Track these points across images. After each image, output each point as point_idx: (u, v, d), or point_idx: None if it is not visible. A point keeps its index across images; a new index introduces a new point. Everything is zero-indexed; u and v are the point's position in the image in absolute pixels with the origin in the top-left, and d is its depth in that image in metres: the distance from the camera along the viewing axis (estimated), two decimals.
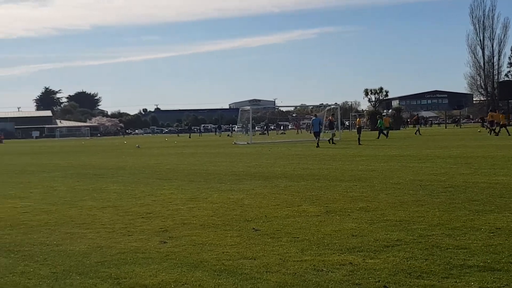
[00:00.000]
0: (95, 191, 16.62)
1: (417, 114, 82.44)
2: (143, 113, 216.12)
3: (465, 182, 15.54)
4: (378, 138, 50.62)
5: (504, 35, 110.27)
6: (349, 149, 35.88)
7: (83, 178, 21.33)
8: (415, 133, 58.97)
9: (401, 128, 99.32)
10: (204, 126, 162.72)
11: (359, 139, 44.01)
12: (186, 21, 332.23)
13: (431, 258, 7.52)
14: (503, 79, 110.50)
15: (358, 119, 50.30)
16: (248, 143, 52.46)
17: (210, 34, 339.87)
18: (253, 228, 10.12)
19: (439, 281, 6.55)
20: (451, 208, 11.34)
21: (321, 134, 45.39)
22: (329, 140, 46.19)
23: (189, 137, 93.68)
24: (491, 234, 8.84)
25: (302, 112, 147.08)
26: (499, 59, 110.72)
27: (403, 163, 22.62)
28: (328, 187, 15.70)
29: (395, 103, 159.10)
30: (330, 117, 49.65)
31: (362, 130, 47.35)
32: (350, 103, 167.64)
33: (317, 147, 40.01)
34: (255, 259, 7.87)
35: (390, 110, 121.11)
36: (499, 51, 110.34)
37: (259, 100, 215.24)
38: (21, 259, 8.37)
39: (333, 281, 6.72)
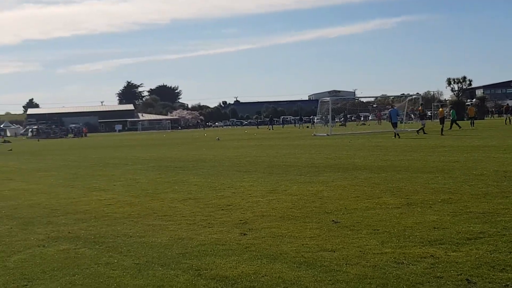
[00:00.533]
0: (176, 184, 16.89)
1: (507, 104, 79.94)
2: (223, 105, 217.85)
3: None
4: (450, 128, 49.55)
5: None
6: (431, 140, 35.25)
7: (164, 170, 21.70)
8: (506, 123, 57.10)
9: (485, 118, 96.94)
10: (283, 117, 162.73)
11: (442, 129, 43.34)
12: (264, 13, 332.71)
13: None
14: None
15: (440, 109, 49.32)
16: (327, 135, 52.24)
17: (288, 25, 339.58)
18: (333, 220, 10.09)
19: None
20: None
21: (401, 124, 44.88)
22: (417, 131, 45.58)
23: (271, 129, 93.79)
24: None
25: (383, 102, 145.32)
26: None
27: (487, 154, 22.08)
28: (409, 178, 15.48)
29: (479, 92, 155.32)
30: (419, 108, 49.16)
31: (445, 120, 46.49)
32: (432, 93, 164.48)
33: (395, 137, 39.57)
34: (334, 252, 7.86)
35: (474, 100, 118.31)
36: None
37: (339, 91, 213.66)
38: (105, 250, 8.61)
39: (414, 274, 6.64)
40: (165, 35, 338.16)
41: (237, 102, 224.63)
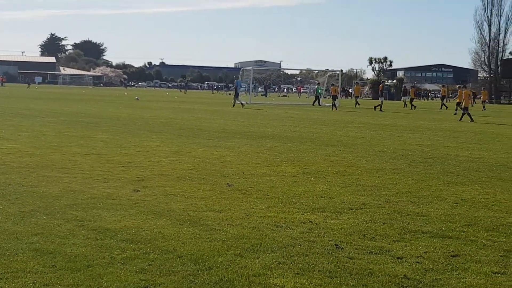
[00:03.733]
0: (83, 138, 16.82)
1: (405, 86, 78.83)
2: (148, 66, 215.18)
3: (447, 154, 15.73)
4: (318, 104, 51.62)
5: None
6: (345, 116, 36.01)
7: (75, 125, 21.53)
8: (404, 106, 56.08)
9: (402, 99, 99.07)
10: (208, 83, 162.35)
11: (333, 104, 45.80)
12: None
13: (389, 222, 7.75)
14: (507, 57, 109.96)
15: (333, 87, 51.19)
16: (247, 103, 52.49)
17: None
18: (227, 184, 10.33)
19: (389, 244, 6.77)
20: (424, 178, 11.55)
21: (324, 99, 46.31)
22: (375, 107, 46.82)
23: (185, 93, 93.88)
24: (455, 205, 9.05)
25: (307, 76, 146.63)
26: (505, 37, 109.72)
27: (392, 133, 22.79)
28: (312, 150, 15.89)
29: (400, 74, 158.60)
30: (380, 86, 50.24)
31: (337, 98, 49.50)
32: (355, 70, 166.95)
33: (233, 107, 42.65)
34: (220, 212, 8.09)
35: (394, 80, 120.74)
36: (505, 28, 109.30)
37: (265, 62, 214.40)
38: None
39: (289, 237, 6.94)
40: None
41: (162, 64, 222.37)
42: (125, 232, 6.90)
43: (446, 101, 56.98)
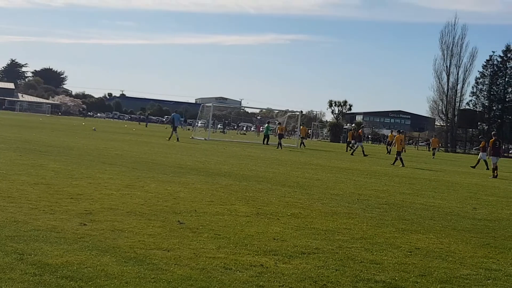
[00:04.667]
0: (34, 167, 16.36)
1: (358, 129, 78.61)
2: (108, 97, 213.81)
3: (402, 201, 15.67)
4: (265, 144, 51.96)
5: (470, 64, 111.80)
6: (303, 157, 35.98)
7: (27, 153, 21.01)
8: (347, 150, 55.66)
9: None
10: (168, 117, 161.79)
11: (279, 143, 47.36)
12: (162, 11, 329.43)
13: (342, 269, 7.54)
14: (464, 107, 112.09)
15: (279, 126, 51.84)
16: (205, 139, 52.32)
17: (185, 27, 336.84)
18: (178, 221, 10.04)
19: None
20: (379, 224, 11.41)
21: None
22: (353, 153, 46.16)
23: (145, 126, 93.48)
24: (409, 253, 8.90)
25: (267, 115, 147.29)
26: (462, 87, 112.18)
27: (349, 176, 22.74)
28: (267, 190, 15.69)
29: (359, 118, 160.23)
30: (360, 131, 49.18)
31: (283, 137, 51.44)
32: (315, 112, 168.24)
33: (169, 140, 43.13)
34: (168, 251, 7.81)
35: (353, 124, 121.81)
36: (463, 79, 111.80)
37: (226, 99, 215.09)
38: None
39: (238, 281, 6.69)
40: (58, 18, 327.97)
41: (123, 95, 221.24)
42: (66, 268, 6.57)
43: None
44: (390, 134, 59.29)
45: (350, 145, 51.44)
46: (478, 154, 40.55)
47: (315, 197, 14.92)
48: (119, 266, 6.85)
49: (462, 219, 13.19)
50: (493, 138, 31.94)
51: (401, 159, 33.73)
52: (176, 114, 49.84)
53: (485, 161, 36.61)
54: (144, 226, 9.38)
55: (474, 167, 38.08)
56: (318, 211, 12.57)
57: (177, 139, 43.71)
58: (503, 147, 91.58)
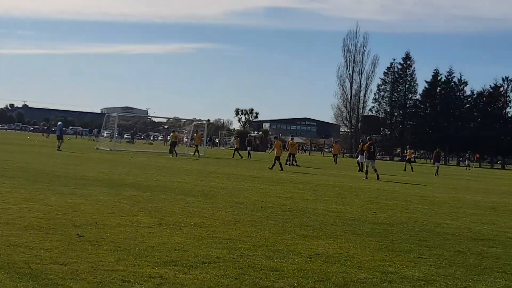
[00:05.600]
0: None
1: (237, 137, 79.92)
2: (10, 108, 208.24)
3: (305, 207, 15.88)
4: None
5: (372, 71, 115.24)
6: (209, 166, 35.98)
7: None
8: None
9: (266, 151, 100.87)
10: (72, 128, 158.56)
11: (171, 150, 48.54)
12: (65, 20, 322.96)
13: (241, 278, 7.57)
14: (367, 114, 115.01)
15: (173, 134, 52.15)
16: (111, 150, 51.58)
17: (88, 36, 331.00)
18: (78, 234, 9.84)
19: None
20: (281, 231, 11.52)
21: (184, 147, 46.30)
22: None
23: (47, 137, 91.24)
24: (308, 259, 9.02)
25: (174, 124, 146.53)
26: (365, 94, 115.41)
27: (255, 184, 22.89)
28: (171, 200, 15.59)
29: (266, 126, 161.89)
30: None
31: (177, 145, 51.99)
32: (222, 121, 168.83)
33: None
34: (65, 265, 7.64)
35: (260, 132, 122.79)
36: (366, 86, 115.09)
37: (132, 108, 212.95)
38: None
39: None
40: None
41: (25, 106, 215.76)
42: None
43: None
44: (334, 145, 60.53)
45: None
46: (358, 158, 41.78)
47: (219, 206, 14.94)
48: (13, 283, 6.66)
49: (363, 223, 13.48)
50: (368, 142, 33.78)
51: (280, 163, 35.49)
52: (60, 123, 50.12)
53: (361, 163, 37.72)
54: (42, 240, 9.14)
55: (360, 170, 38.32)
56: (221, 220, 12.57)
57: (58, 147, 43.72)
58: (405, 152, 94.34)
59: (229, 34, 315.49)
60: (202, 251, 9.13)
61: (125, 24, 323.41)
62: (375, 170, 32.12)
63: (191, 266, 8.05)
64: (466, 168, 76.77)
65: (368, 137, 38.05)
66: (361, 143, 38.99)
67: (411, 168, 49.64)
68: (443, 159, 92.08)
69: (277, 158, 35.98)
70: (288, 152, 43.82)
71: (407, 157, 54.38)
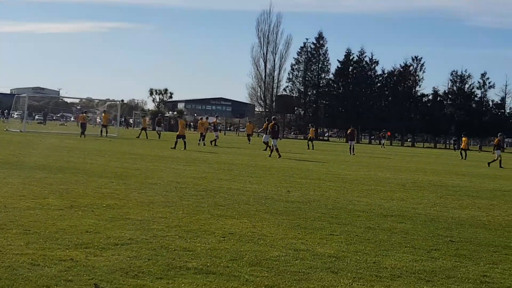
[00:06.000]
0: None
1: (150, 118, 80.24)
2: None
3: (219, 187, 15.92)
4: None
5: (286, 51, 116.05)
6: (123, 147, 35.59)
7: None
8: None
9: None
10: None
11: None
12: None
13: (154, 259, 7.54)
14: (281, 93, 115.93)
15: (81, 115, 52.31)
16: (21, 131, 50.29)
17: None
18: None
19: (152, 282, 6.57)
20: (195, 211, 11.52)
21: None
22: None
23: None
24: (222, 239, 9.06)
25: (87, 105, 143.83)
26: (279, 74, 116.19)
27: (169, 165, 22.76)
28: (84, 182, 15.34)
29: (180, 106, 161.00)
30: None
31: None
32: (137, 101, 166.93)
33: None
34: None
35: (175, 112, 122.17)
36: (280, 65, 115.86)
37: (43, 89, 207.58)
38: None
39: (45, 277, 6.49)
40: None
41: None
42: None
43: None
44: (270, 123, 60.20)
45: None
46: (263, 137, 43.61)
47: (132, 187, 14.80)
48: None
49: (276, 202, 13.63)
50: (273, 122, 35.41)
51: (184, 142, 36.54)
52: None
53: (267, 142, 38.39)
54: None
55: (265, 150, 38.69)
56: (134, 201, 12.47)
57: None
58: (319, 130, 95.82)
59: (143, 14, 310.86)
60: (114, 232, 9.03)
61: (36, 2, 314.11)
62: (277, 150, 32.96)
63: (103, 248, 7.96)
64: (381, 146, 78.51)
65: (273, 117, 39.01)
66: (266, 122, 39.52)
67: (312, 146, 51.54)
68: (357, 137, 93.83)
69: (179, 137, 37.23)
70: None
71: (309, 135, 56.51)
